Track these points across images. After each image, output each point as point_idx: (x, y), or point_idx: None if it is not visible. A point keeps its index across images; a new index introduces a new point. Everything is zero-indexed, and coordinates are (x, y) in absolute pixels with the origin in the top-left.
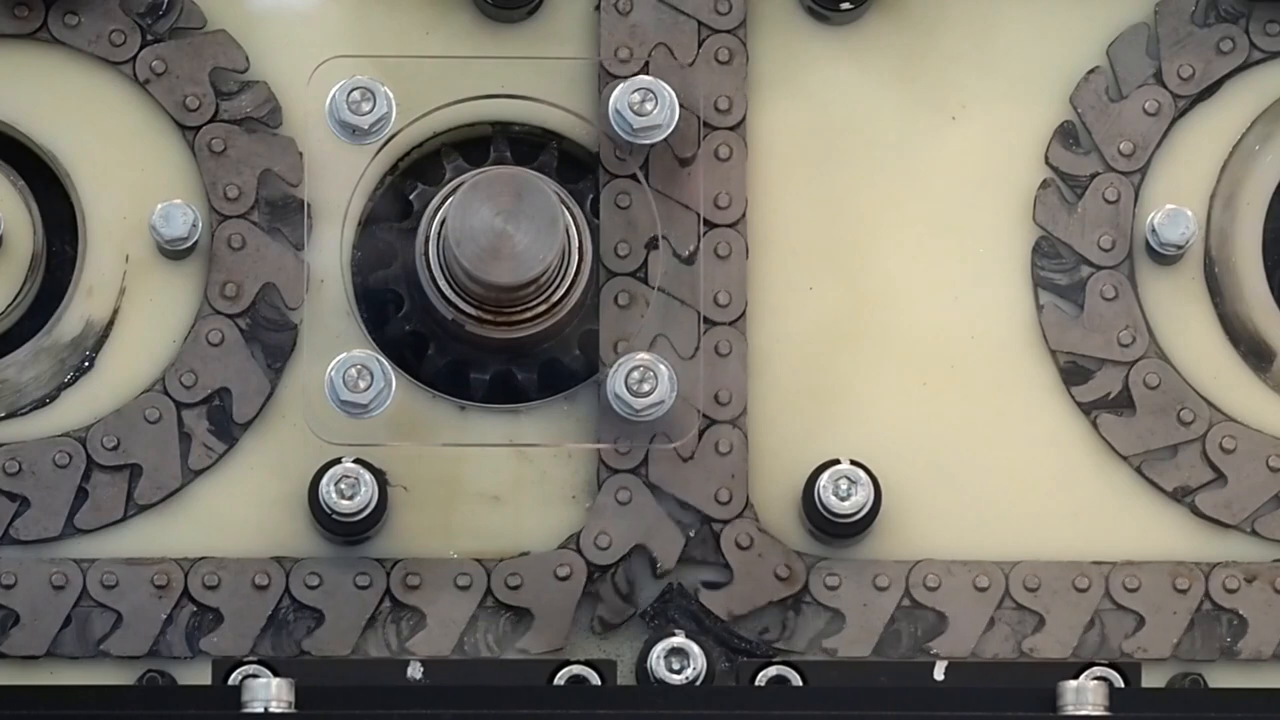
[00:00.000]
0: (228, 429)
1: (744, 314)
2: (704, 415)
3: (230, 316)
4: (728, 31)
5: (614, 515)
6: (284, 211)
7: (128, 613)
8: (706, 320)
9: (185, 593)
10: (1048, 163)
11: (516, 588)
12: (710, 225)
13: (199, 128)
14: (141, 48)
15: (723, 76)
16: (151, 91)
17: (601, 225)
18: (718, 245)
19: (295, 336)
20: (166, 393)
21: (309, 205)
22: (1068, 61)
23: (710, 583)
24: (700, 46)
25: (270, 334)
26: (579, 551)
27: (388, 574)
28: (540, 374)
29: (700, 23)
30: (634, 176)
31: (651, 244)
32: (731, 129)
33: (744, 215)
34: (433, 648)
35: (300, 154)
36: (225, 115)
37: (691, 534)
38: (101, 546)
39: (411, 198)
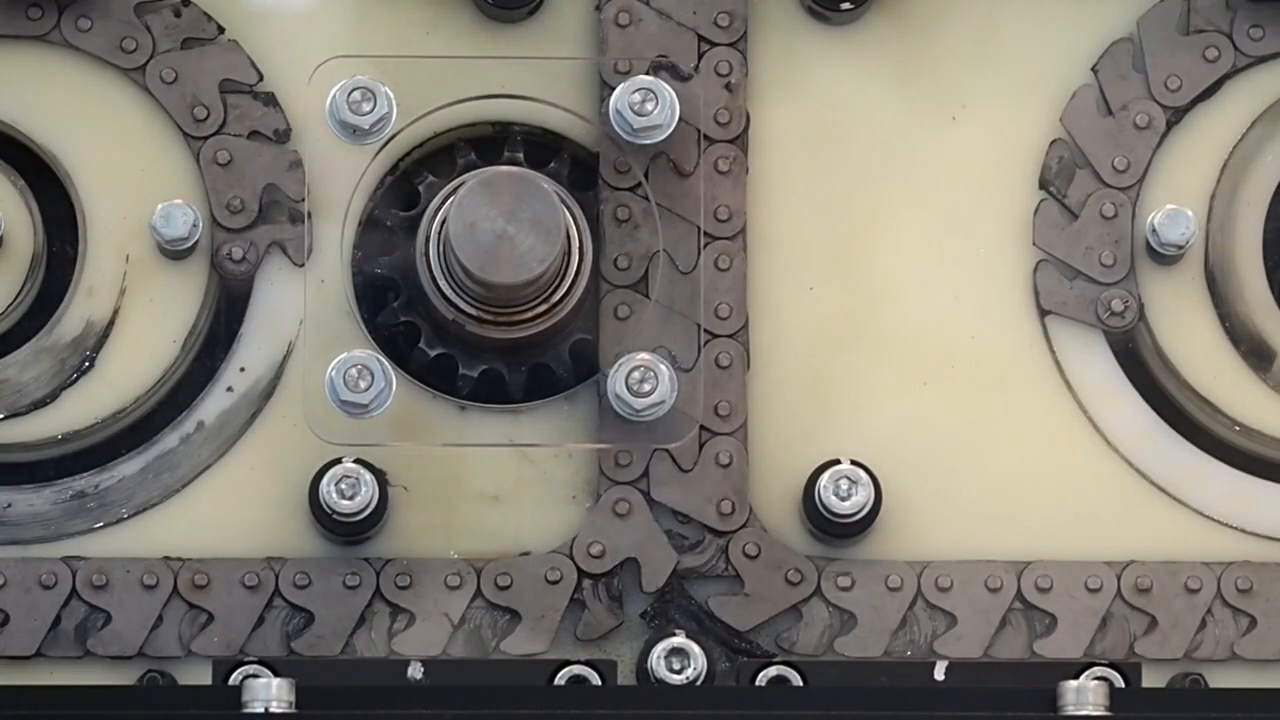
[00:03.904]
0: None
1: (745, 326)
2: (703, 428)
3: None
4: (728, 45)
5: (611, 525)
6: (287, 226)
7: (121, 612)
8: (707, 332)
9: (176, 592)
10: (1042, 184)
11: (506, 588)
12: (711, 238)
13: (205, 139)
14: (152, 56)
15: (723, 89)
16: (161, 100)
17: (603, 238)
18: (718, 258)
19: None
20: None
21: (309, 205)
22: (1068, 61)
23: (722, 593)
24: (700, 60)
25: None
26: (571, 557)
27: (378, 574)
28: (529, 377)
29: (700, 36)
30: (635, 189)
31: (652, 258)
32: (731, 141)
33: (744, 229)
34: (422, 647)
35: (304, 170)
36: (232, 129)
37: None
38: (101, 545)
39: (420, 187)
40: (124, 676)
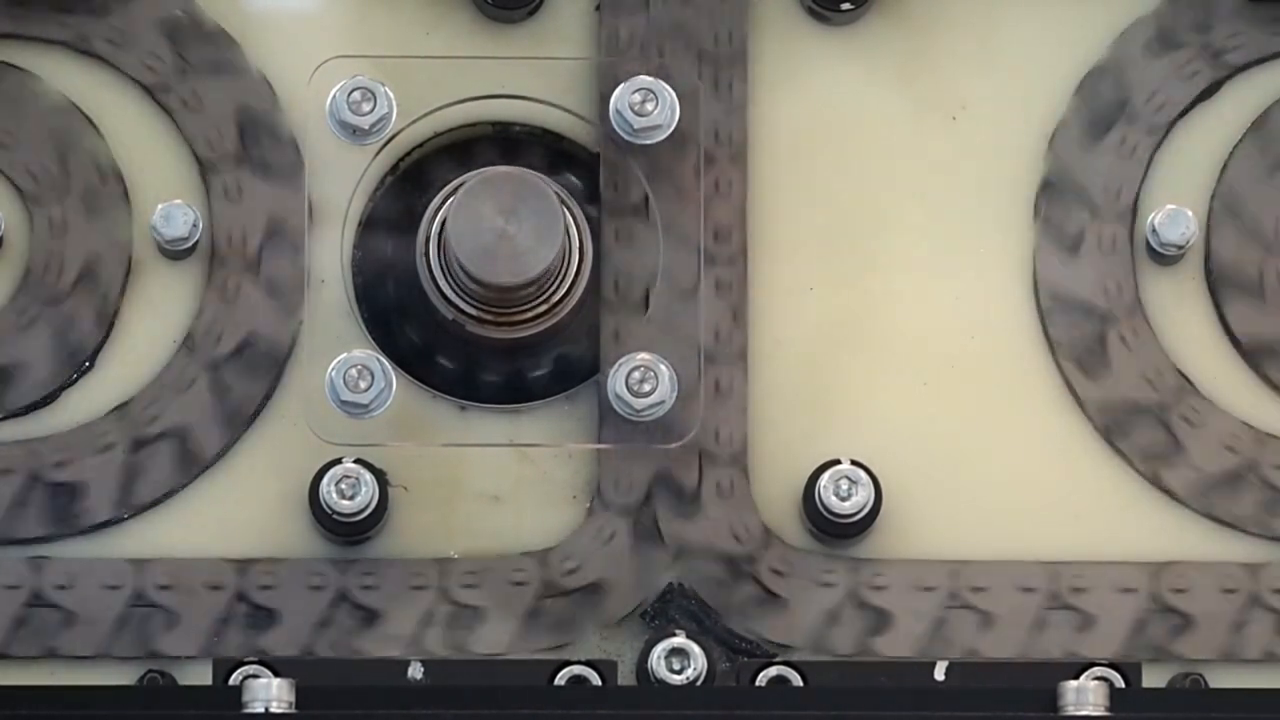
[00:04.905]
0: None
1: (745, 351)
2: (704, 452)
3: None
4: (728, 58)
5: (596, 545)
6: (286, 262)
7: (123, 612)
8: (707, 356)
9: (177, 593)
10: (1037, 218)
11: (472, 587)
12: (710, 251)
13: (217, 166)
14: (175, 75)
15: (722, 102)
16: (178, 122)
17: (603, 242)
18: (718, 273)
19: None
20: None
21: (310, 206)
22: (1068, 62)
23: (763, 614)
24: (700, 75)
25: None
26: (543, 565)
27: (344, 575)
28: (529, 377)
29: (701, 50)
30: (637, 202)
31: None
32: (731, 159)
33: (744, 246)
34: (388, 647)
35: (311, 207)
36: (245, 160)
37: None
38: (100, 546)
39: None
40: (124, 676)
